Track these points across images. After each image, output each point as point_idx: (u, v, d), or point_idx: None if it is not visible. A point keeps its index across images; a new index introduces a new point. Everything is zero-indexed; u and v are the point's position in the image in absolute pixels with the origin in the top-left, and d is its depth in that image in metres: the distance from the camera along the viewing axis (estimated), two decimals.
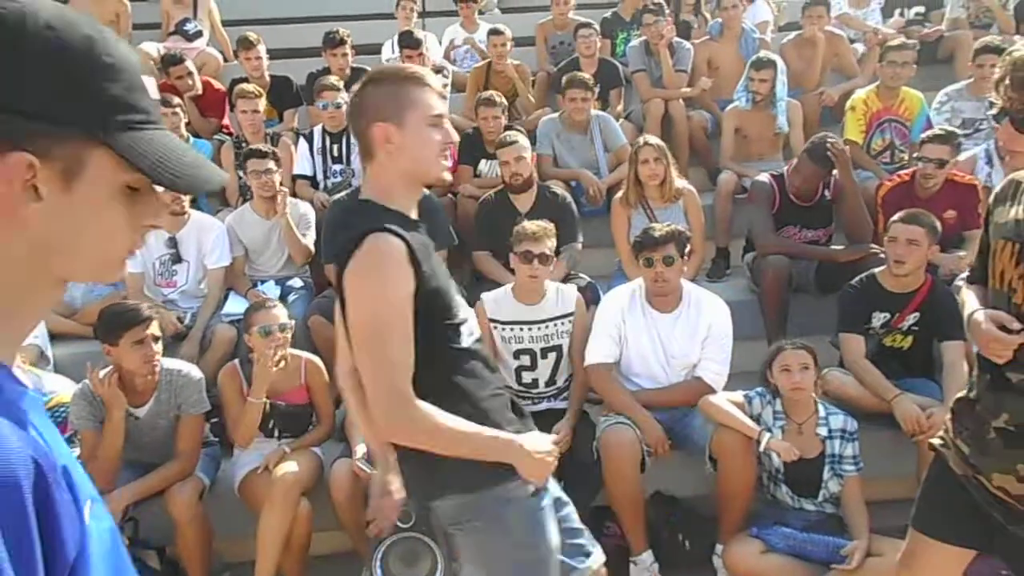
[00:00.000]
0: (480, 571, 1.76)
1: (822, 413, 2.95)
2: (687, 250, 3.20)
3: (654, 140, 4.11)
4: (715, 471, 2.99)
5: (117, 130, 0.70)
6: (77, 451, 2.95)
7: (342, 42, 5.27)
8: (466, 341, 1.70)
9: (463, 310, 1.72)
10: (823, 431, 2.92)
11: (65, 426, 2.90)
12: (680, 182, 4.13)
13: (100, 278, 0.77)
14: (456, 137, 1.70)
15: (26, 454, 0.61)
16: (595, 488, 3.08)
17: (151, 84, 0.78)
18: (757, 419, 2.96)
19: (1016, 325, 1.70)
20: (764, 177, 4.09)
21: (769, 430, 2.92)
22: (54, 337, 3.68)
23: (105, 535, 0.70)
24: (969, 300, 1.87)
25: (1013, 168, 2.00)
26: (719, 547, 2.99)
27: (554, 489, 1.87)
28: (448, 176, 1.74)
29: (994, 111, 1.78)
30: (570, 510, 1.93)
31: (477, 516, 1.69)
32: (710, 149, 5.19)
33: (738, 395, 3.03)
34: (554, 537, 1.75)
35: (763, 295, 3.85)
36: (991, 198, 1.89)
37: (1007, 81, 1.68)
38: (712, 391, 3.08)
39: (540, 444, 1.68)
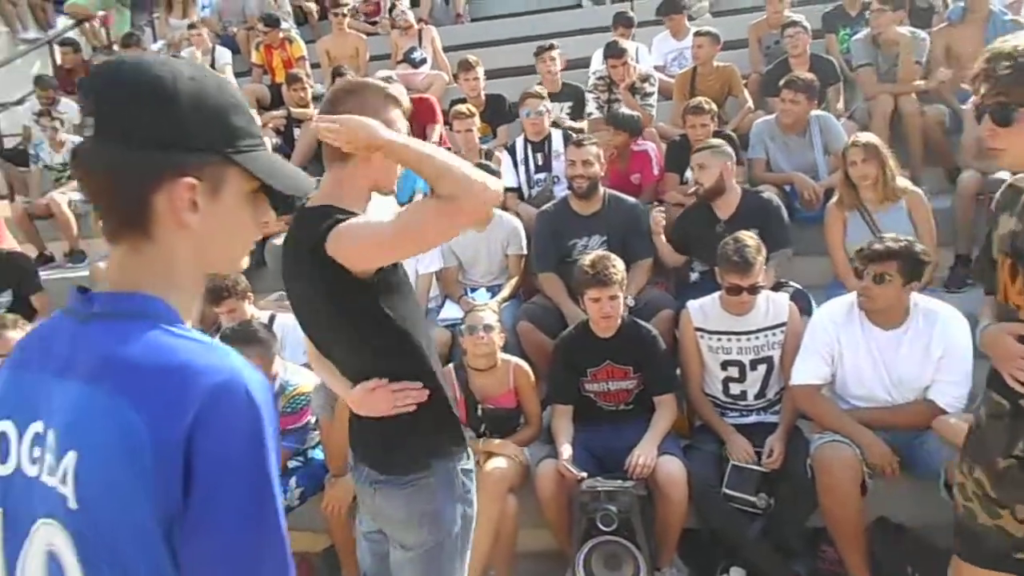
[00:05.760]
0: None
1: None
2: (922, 269, 2.89)
3: (864, 138, 3.80)
4: (953, 500, 2.69)
5: (245, 152, 0.91)
6: (318, 435, 3.33)
7: (551, 47, 5.47)
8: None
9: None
10: None
11: (305, 413, 3.26)
12: (903, 182, 3.79)
13: (236, 267, 1.00)
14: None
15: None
16: (810, 508, 2.91)
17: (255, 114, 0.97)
18: None
19: None
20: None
21: None
22: None
23: None
24: (984, 314, 1.75)
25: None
26: None
27: None
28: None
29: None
30: None
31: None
32: (949, 147, 4.70)
33: None
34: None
35: None
36: (993, 205, 1.74)
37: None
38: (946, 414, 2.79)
39: None
